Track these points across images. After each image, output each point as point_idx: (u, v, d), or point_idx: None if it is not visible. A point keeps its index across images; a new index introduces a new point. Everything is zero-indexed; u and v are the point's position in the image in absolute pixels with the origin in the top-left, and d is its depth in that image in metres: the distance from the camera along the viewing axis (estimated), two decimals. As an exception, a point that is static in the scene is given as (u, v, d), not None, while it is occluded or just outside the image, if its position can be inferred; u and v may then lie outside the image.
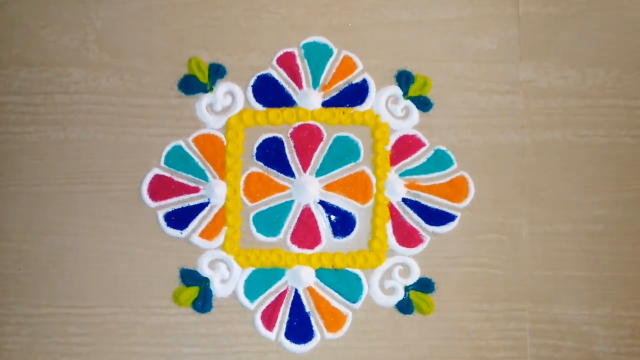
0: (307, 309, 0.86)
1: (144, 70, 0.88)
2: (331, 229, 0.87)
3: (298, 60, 0.89)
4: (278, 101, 0.88)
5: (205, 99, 0.88)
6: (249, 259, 0.86)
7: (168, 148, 0.88)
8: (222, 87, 0.88)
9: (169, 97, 0.88)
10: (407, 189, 0.87)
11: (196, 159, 0.87)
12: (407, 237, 0.87)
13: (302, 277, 0.85)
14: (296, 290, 0.86)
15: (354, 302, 0.86)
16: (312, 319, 0.85)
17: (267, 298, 0.86)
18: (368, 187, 0.87)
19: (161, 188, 0.87)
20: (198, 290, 0.85)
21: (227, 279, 0.86)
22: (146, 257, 0.86)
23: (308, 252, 0.86)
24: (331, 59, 0.89)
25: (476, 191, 0.87)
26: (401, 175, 0.88)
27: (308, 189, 0.86)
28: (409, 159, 0.88)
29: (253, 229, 0.87)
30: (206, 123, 0.88)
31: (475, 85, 0.89)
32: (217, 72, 0.88)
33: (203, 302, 0.85)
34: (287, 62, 0.89)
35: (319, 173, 0.87)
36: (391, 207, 0.87)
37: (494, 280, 0.86)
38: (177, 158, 0.87)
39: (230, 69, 0.89)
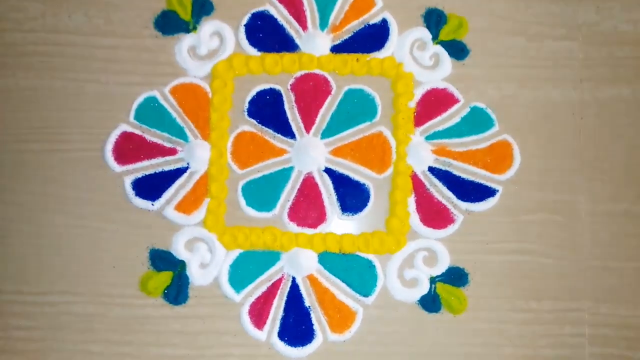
0: (307, 303, 0.58)
1: (114, 4, 0.62)
2: (339, 204, 0.59)
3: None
4: (277, 45, 0.61)
5: (186, 40, 0.61)
6: (235, 239, 0.59)
7: (140, 100, 0.61)
8: (207, 26, 0.61)
9: (142, 37, 0.61)
10: (436, 156, 0.60)
11: (174, 114, 0.60)
12: (435, 215, 0.59)
13: (301, 263, 0.58)
14: (294, 279, 0.59)
15: (365, 295, 0.58)
16: (312, 315, 0.58)
17: (257, 288, 0.59)
18: (386, 152, 0.60)
19: (130, 149, 0.60)
20: (171, 277, 0.59)
21: (207, 263, 0.59)
22: (109, 233, 0.59)
23: (310, 231, 0.59)
24: (343, -6, 0.61)
25: (522, 160, 0.59)
26: (428, 138, 0.60)
27: (311, 153, 0.59)
28: (439, 118, 0.60)
29: (242, 201, 0.59)
30: (187, 70, 0.61)
31: (523, 28, 0.61)
32: (202, 7, 0.61)
33: (177, 291, 0.58)
34: (289, -3, 0.61)
35: (325, 134, 0.60)
36: (415, 178, 0.59)
37: (545, 272, 0.58)
38: (151, 112, 0.60)
39: (219, 4, 0.62)
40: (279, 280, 0.59)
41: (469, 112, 0.60)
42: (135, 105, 0.60)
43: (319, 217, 0.59)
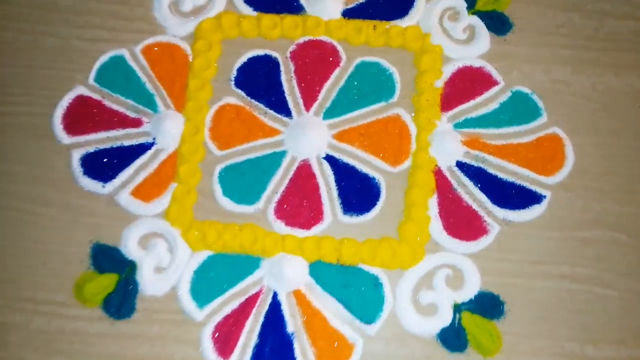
0: (290, 328, 0.40)
1: (86, -52, 0.47)
2: (340, 201, 0.42)
3: (312, -50, 0.47)
4: (277, 5, 0.46)
5: (168, -7, 0.46)
6: (204, 237, 0.41)
7: (104, 58, 0.45)
8: (196, -22, 0.46)
9: (116, -14, 0.46)
10: (467, 148, 0.43)
11: (143, 78, 0.45)
12: (463, 223, 0.42)
13: (287, 274, 0.40)
14: (275, 294, 0.41)
15: (368, 322, 0.40)
16: (296, 345, 0.40)
17: (226, 304, 0.41)
18: (404, 140, 0.43)
19: (84, 116, 0.44)
20: (116, 281, 0.41)
21: (165, 267, 0.41)
22: (43, 219, 0.42)
23: (301, 233, 0.42)
24: (361, -48, 0.47)
25: (576, 160, 0.43)
26: (458, 126, 0.44)
27: (310, 135, 0.43)
28: (472, 102, 0.44)
29: (217, 189, 0.43)
30: (166, 27, 0.46)
31: (578, 3, 0.46)
32: (190, -43, 0.47)
33: (121, 300, 0.41)
34: (295, -49, 0.47)
35: (329, 114, 0.44)
36: (439, 174, 0.43)
37: (605, 306, 0.41)
38: (115, 74, 0.45)
39: (211, -44, 0.47)
40: (256, 295, 0.41)
41: (509, 98, 0.44)
42: (97, 65, 0.45)
43: (314, 215, 0.42)
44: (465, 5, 0.45)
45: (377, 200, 0.42)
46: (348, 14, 0.45)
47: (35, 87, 0.45)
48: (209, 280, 0.41)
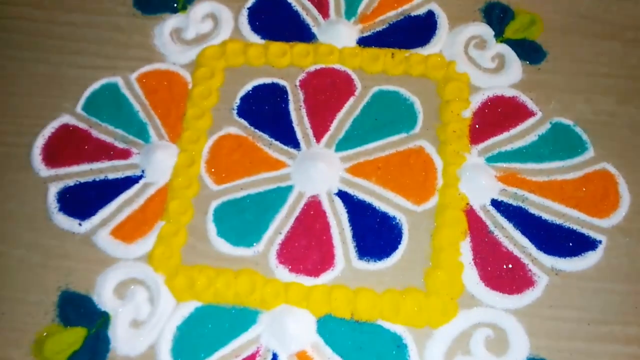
0: (293, 400, 0.32)
1: (89, -23, 0.44)
2: (355, 243, 0.35)
3: (326, -20, 0.43)
4: (287, 33, 0.42)
5: (171, 21, 0.42)
6: (192, 285, 0.34)
7: (95, 86, 0.40)
8: (201, 6, 0.43)
9: (116, 14, 0.43)
10: (503, 185, 0.36)
11: (136, 106, 0.40)
12: (503, 272, 0.34)
13: (290, 331, 0.32)
14: (275, 356, 0.33)
15: (390, 394, 0.32)
16: (299, 422, 0.31)
17: (215, 367, 0.33)
18: (429, 175, 0.37)
19: (67, 147, 0.38)
20: (84, 337, 0.33)
21: (144, 321, 0.34)
22: (7, 261, 0.36)
23: (308, 281, 0.34)
24: (378, -19, 0.43)
25: (633, 199, 0.36)
26: (490, 160, 0.37)
27: (320, 167, 0.36)
28: (505, 134, 0.38)
29: (212, 229, 0.36)
30: (166, 55, 0.41)
31: (617, 31, 0.41)
32: (197, -14, 0.43)
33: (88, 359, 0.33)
34: (308, -20, 0.43)
35: (342, 146, 0.38)
36: (471, 214, 0.36)
37: (689, 380, 0.32)
38: (106, 102, 0.40)
39: (219, -15, 0.43)
40: (252, 357, 0.33)
41: (549, 130, 0.38)
42: (87, 93, 0.40)
43: (324, 260, 0.35)
44: (492, 33, 0.40)
45: (399, 243, 0.35)
46: (363, 42, 0.41)
47: (17, 115, 0.40)
48: (195, 338, 0.33)
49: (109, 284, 0.35)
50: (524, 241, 0.35)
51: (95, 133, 0.39)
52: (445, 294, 0.34)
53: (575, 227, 0.35)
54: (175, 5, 0.43)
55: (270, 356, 0.33)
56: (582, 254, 0.34)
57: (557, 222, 0.35)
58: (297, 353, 0.33)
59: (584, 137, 0.38)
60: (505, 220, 0.36)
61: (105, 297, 0.34)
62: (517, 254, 0.35)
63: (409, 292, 0.34)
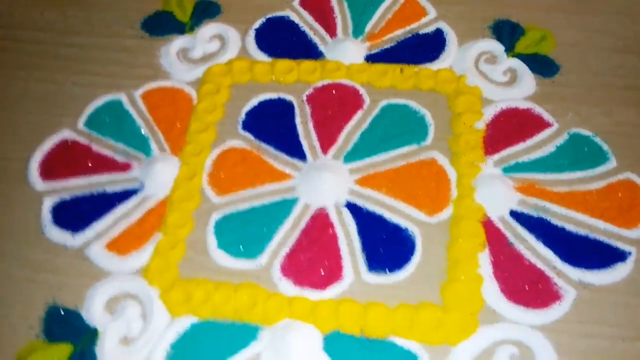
0: None
1: (99, 4, 0.46)
2: (365, 255, 0.34)
3: (334, 2, 0.45)
4: (294, 52, 0.43)
5: (178, 41, 0.44)
6: (189, 299, 0.33)
7: (98, 103, 0.41)
8: (209, 28, 0.44)
9: (123, 36, 0.45)
10: (522, 195, 0.36)
11: (139, 121, 0.40)
12: (526, 285, 0.32)
13: (293, 348, 0.31)
14: (277, 376, 0.31)
15: (405, 419, 0.29)
16: None
17: (210, 388, 0.31)
18: (442, 186, 0.36)
19: (65, 161, 0.39)
20: (69, 353, 0.32)
21: (135, 338, 0.32)
22: (-7, 274, 0.35)
23: (314, 294, 0.33)
24: (385, 2, 0.45)
25: (663, 210, 0.35)
26: (507, 170, 0.37)
27: (327, 178, 0.36)
28: (521, 145, 0.38)
29: (212, 241, 0.35)
30: (171, 74, 0.42)
31: (633, 45, 0.42)
32: (205, 9, 0.45)
33: (71, 379, 0.31)
34: (316, 4, 0.45)
35: (350, 157, 0.38)
36: (489, 226, 0.35)
37: None
38: (109, 117, 0.40)
39: (227, 8, 0.45)
40: (251, 377, 0.31)
41: (567, 141, 0.37)
42: (90, 109, 0.41)
43: (331, 273, 0.33)
44: (502, 48, 0.41)
45: (412, 255, 0.34)
46: (371, 59, 0.42)
47: (17, 132, 0.40)
48: (190, 357, 0.31)
49: (100, 298, 0.33)
50: (548, 253, 0.34)
51: (95, 147, 0.39)
52: (464, 308, 0.32)
53: (601, 238, 0.34)
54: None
55: (272, 376, 0.31)
56: (611, 266, 0.33)
57: (582, 233, 0.34)
58: (301, 373, 0.31)
59: (605, 147, 0.37)
60: (526, 231, 0.34)
61: (94, 312, 0.33)
62: (541, 266, 0.33)
63: (424, 307, 0.32)
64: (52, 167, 0.39)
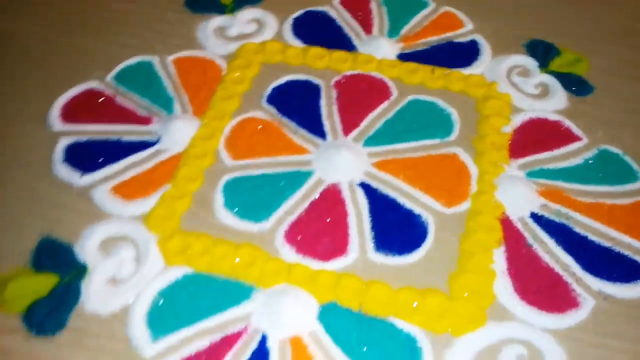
0: (277, 391, 0.27)
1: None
2: (373, 235, 0.32)
3: (373, 5, 0.46)
4: (328, 42, 0.43)
5: (217, 20, 0.44)
6: (186, 250, 0.31)
7: (131, 61, 0.41)
8: (249, 12, 0.45)
9: (165, 9, 0.45)
10: (545, 200, 0.34)
11: (166, 83, 0.40)
12: (542, 287, 0.30)
13: (285, 312, 0.29)
14: (264, 338, 0.28)
15: (396, 402, 0.27)
16: (281, 417, 0.26)
17: (191, 341, 0.28)
18: (462, 180, 0.35)
19: (87, 107, 0.39)
20: (53, 284, 0.30)
21: (123, 279, 0.30)
22: (-6, 200, 0.34)
23: (315, 264, 0.31)
24: (424, 11, 0.45)
25: (694, 234, 0.33)
26: (532, 175, 0.35)
27: (345, 155, 0.35)
28: (548, 153, 0.36)
29: (219, 199, 0.34)
30: (206, 46, 0.43)
31: (667, 79, 0.41)
32: (248, -5, 0.46)
33: (50, 310, 0.29)
34: (356, 4, 0.46)
35: (371, 142, 0.37)
36: (507, 224, 0.33)
37: None
38: (138, 77, 0.40)
39: (270, -1, 0.46)
40: (236, 336, 0.28)
41: (596, 155, 0.36)
42: (121, 66, 0.41)
43: (336, 246, 0.32)
44: (536, 64, 0.41)
45: (422, 241, 0.32)
46: (403, 58, 0.41)
47: (47, 76, 0.40)
48: (177, 305, 0.29)
49: (96, 237, 0.32)
50: (568, 259, 0.32)
51: (119, 99, 0.39)
52: (473, 300, 0.30)
53: (626, 252, 0.32)
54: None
55: (259, 337, 0.29)
56: (635, 281, 0.31)
57: (606, 245, 0.32)
58: (290, 338, 0.28)
59: (635, 167, 0.36)
60: (547, 235, 0.33)
61: (87, 249, 0.32)
62: (559, 271, 0.31)
63: (430, 293, 0.30)
64: (73, 112, 0.38)
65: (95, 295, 0.30)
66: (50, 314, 0.29)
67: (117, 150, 0.36)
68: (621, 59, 0.42)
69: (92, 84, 0.40)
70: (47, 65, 0.42)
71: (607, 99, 0.39)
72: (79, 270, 0.31)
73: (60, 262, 0.31)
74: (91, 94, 0.39)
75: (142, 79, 0.40)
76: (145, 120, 0.38)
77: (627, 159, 0.36)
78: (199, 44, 0.43)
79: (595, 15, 0.45)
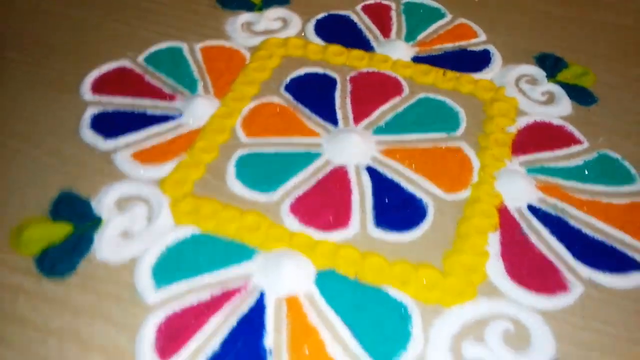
0: (269, 343, 0.28)
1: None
2: (375, 213, 0.34)
3: (393, 14, 0.48)
4: (348, 42, 0.45)
5: (245, 15, 0.47)
6: (196, 212, 0.33)
7: (160, 45, 0.44)
8: (275, 11, 0.48)
9: (198, 3, 0.49)
10: (543, 194, 0.35)
11: (193, 68, 0.43)
12: (533, 270, 0.31)
13: (284, 272, 0.30)
14: (262, 295, 0.30)
15: (383, 362, 0.27)
16: (271, 366, 0.27)
17: (192, 292, 0.30)
18: (465, 170, 0.36)
19: (117, 82, 0.41)
20: (68, 232, 0.32)
21: (134, 234, 0.32)
22: (21, 157, 0.36)
23: (317, 234, 0.32)
24: (440, 21, 0.48)
25: (688, 237, 0.33)
26: (532, 171, 0.36)
27: (354, 139, 0.37)
28: (549, 153, 0.38)
29: (231, 171, 0.36)
30: (232, 38, 0.45)
31: (672, 97, 0.42)
32: (276, -3, 0.49)
33: (62, 255, 0.31)
34: (377, 11, 0.48)
35: (380, 131, 0.39)
36: (504, 213, 0.34)
37: None
38: (167, 60, 0.43)
39: (297, 2, 0.49)
40: (236, 290, 0.30)
41: (596, 158, 0.37)
42: (153, 49, 0.44)
43: (338, 220, 0.33)
44: (544, 74, 0.42)
45: (421, 221, 0.33)
46: (418, 60, 0.43)
47: (83, 52, 0.43)
48: (182, 260, 0.31)
49: (113, 194, 0.34)
50: (560, 248, 0.32)
51: (148, 78, 0.42)
52: (464, 277, 0.31)
53: (619, 247, 0.33)
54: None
55: (257, 294, 0.30)
56: (625, 273, 0.31)
57: (599, 238, 0.33)
58: (287, 297, 0.30)
59: (633, 171, 0.37)
60: (541, 225, 0.34)
61: (104, 204, 0.33)
62: (551, 257, 0.32)
63: (424, 267, 0.31)
64: (104, 85, 0.41)
65: (107, 246, 0.31)
66: (62, 258, 0.31)
67: (141, 121, 0.38)
68: (629, 76, 0.44)
69: (124, 63, 0.43)
70: (85, 43, 0.45)
71: (611, 111, 0.41)
72: (94, 222, 0.33)
73: (77, 214, 0.33)
74: (122, 71, 0.42)
75: (171, 62, 0.43)
76: (170, 97, 0.40)
77: (626, 163, 0.37)
78: (227, 35, 0.46)
79: (608, 35, 0.47)
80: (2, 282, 0.30)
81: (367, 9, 0.49)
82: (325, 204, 0.34)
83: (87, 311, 0.29)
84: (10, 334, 0.28)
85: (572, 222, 0.34)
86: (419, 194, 0.35)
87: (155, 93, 0.40)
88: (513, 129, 0.39)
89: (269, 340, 0.28)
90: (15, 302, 0.29)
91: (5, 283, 0.30)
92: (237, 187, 0.35)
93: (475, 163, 0.37)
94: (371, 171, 0.36)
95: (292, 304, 0.29)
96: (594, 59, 0.45)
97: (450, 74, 0.42)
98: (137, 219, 0.33)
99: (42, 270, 0.30)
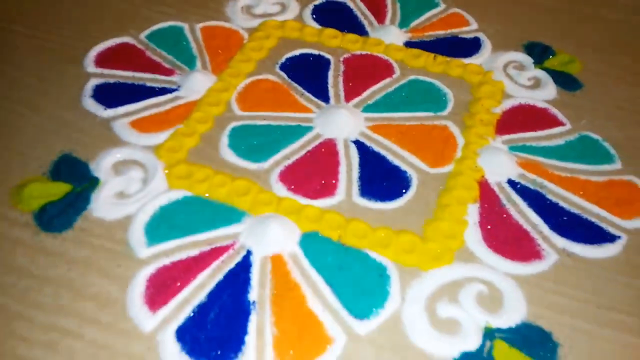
0: (253, 296, 0.29)
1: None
2: (360, 183, 0.35)
3: (388, 1, 0.50)
4: (343, 27, 0.47)
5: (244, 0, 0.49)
6: (189, 177, 0.35)
7: (162, 24, 0.46)
8: (274, -4, 0.49)
9: (200, -13, 0.50)
10: (523, 170, 0.36)
11: (192, 45, 0.44)
12: (509, 239, 0.33)
13: (270, 233, 0.32)
14: (249, 253, 0.31)
15: (359, 317, 0.29)
16: (253, 318, 0.29)
17: (182, 249, 0.31)
18: (449, 147, 0.38)
19: (120, 56, 0.43)
20: (66, 191, 0.34)
21: (130, 194, 0.34)
22: (24, 121, 0.38)
23: (303, 201, 0.34)
24: (434, 10, 0.49)
25: (661, 213, 0.35)
26: (514, 149, 0.38)
27: (344, 115, 0.38)
28: (532, 133, 0.39)
29: (224, 140, 0.37)
30: (232, 19, 0.47)
31: (655, 85, 0.44)
32: (275, -17, 0.51)
33: (60, 211, 0.33)
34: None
35: (369, 109, 0.40)
36: (485, 186, 0.35)
37: None
38: (168, 38, 0.45)
39: (295, -13, 0.51)
40: (224, 248, 0.31)
41: (576, 139, 0.39)
42: (155, 27, 0.45)
43: (324, 188, 0.35)
44: (531, 61, 0.44)
45: (404, 192, 0.34)
46: (410, 45, 0.45)
47: (88, 29, 0.45)
48: (174, 220, 0.33)
49: (111, 158, 0.36)
50: (537, 219, 0.34)
51: (149, 53, 0.43)
52: (443, 243, 0.32)
53: (594, 220, 0.34)
54: (254, -11, 0.49)
55: (244, 252, 0.31)
56: (599, 244, 0.33)
57: (575, 212, 0.34)
58: (272, 255, 0.31)
59: (612, 151, 0.38)
60: (520, 198, 0.35)
61: (102, 167, 0.35)
62: (528, 228, 0.33)
63: (404, 233, 0.32)
64: (106, 59, 0.42)
65: (103, 204, 0.33)
66: (59, 214, 0.32)
67: (140, 92, 0.40)
68: (614, 64, 0.45)
69: (127, 39, 0.44)
70: (89, 20, 0.46)
71: (596, 96, 0.42)
72: (92, 183, 0.34)
73: (75, 175, 0.34)
74: (124, 47, 0.44)
75: (171, 40, 0.44)
76: (169, 72, 0.42)
77: (606, 144, 0.38)
78: (227, 17, 0.47)
79: (597, 27, 0.48)
80: (2, 234, 0.32)
81: (363, -4, 0.50)
82: (313, 173, 0.35)
83: (82, 263, 0.31)
84: (8, 282, 0.30)
85: (549, 196, 0.35)
86: (403, 166, 0.36)
87: (155, 68, 0.42)
88: (498, 110, 0.40)
89: (253, 294, 0.29)
90: (13, 253, 0.31)
91: (5, 235, 0.32)
92: (229, 156, 0.36)
93: (460, 140, 0.38)
94: (359, 145, 0.37)
95: (277, 261, 0.31)
96: (582, 49, 0.46)
97: (441, 58, 0.44)
98: (133, 181, 0.34)
99: (40, 224, 0.32)
